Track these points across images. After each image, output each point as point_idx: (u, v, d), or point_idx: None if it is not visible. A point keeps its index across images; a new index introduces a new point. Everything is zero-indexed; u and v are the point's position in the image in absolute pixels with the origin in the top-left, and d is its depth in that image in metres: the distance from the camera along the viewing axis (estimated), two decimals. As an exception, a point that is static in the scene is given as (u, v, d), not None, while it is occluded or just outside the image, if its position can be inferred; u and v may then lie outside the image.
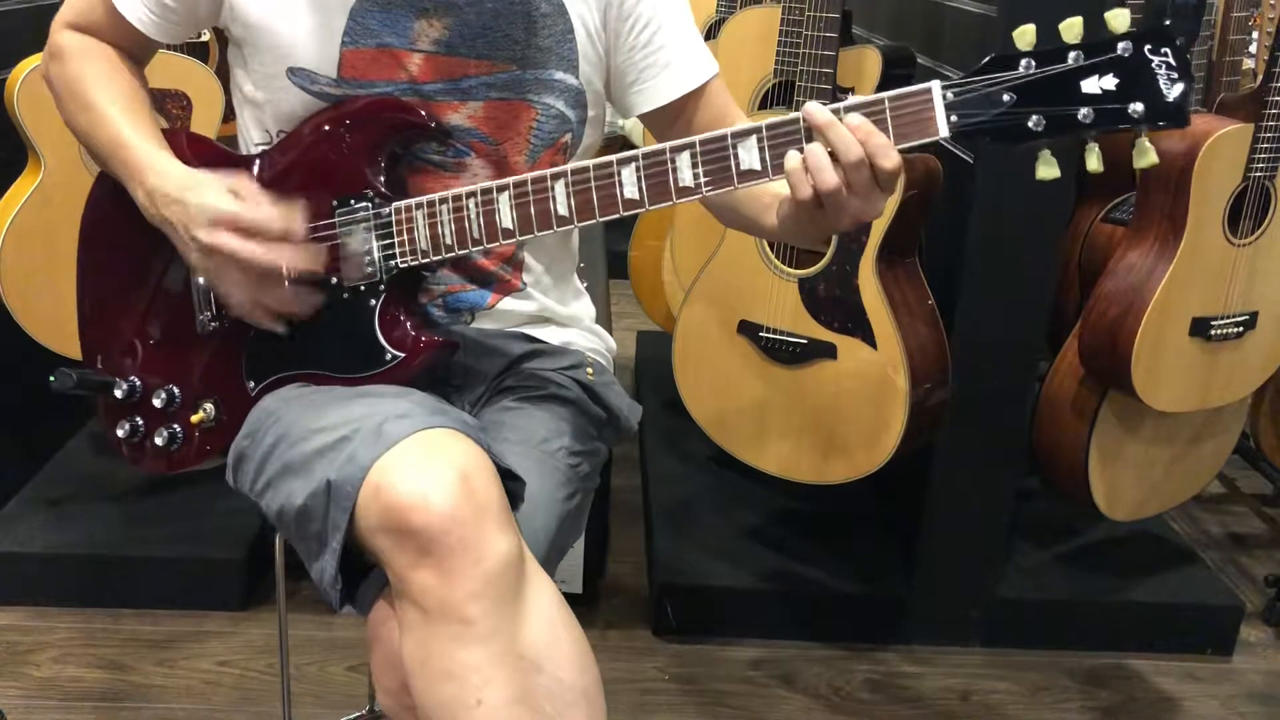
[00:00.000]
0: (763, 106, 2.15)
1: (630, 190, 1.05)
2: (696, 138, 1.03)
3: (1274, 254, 1.89)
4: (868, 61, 1.94)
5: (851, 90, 1.95)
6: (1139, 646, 2.14)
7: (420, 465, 0.98)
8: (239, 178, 1.15)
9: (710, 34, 2.76)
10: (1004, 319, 1.92)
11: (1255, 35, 2.36)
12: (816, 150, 1.00)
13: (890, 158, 0.99)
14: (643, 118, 1.31)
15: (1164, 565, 2.25)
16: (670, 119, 1.28)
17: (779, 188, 1.08)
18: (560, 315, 1.34)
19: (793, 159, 1.01)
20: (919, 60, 2.15)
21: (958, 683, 2.05)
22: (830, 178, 0.99)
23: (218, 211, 1.11)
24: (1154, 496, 2.13)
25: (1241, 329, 1.92)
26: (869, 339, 1.88)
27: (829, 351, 1.91)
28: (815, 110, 1.00)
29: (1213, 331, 1.90)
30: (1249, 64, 2.29)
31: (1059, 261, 2.01)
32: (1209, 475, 2.20)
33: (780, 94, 2.09)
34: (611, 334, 1.45)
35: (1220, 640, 2.16)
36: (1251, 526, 2.64)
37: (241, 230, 1.11)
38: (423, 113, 1.17)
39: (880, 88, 1.94)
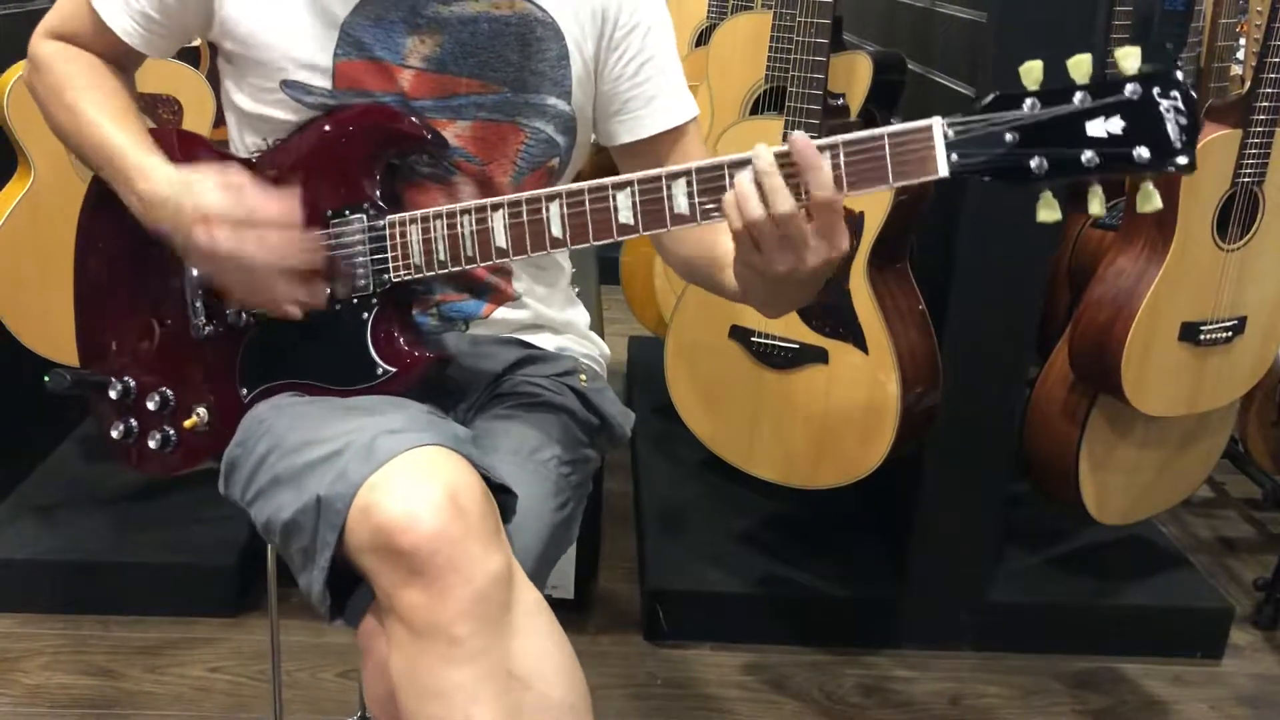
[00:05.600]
0: (754, 112, 2.16)
1: (625, 215, 1.04)
2: (693, 164, 1.02)
3: (1262, 259, 1.90)
4: (859, 67, 1.95)
5: (843, 96, 1.95)
6: (1129, 650, 2.14)
7: (410, 484, 0.98)
8: (229, 170, 1.12)
9: (701, 40, 2.77)
10: (994, 324, 1.93)
11: (1243, 42, 2.37)
12: (744, 181, 0.98)
13: (823, 187, 0.95)
14: (618, 149, 1.30)
15: (1154, 569, 2.26)
16: (646, 155, 1.27)
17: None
18: (554, 322, 1.34)
19: (727, 194, 0.99)
20: (909, 66, 2.16)
21: (948, 686, 2.05)
22: (754, 208, 0.97)
23: (209, 209, 1.08)
24: (1144, 500, 2.14)
25: (1230, 334, 1.93)
26: (860, 344, 1.88)
27: (820, 356, 1.92)
28: (761, 152, 0.98)
29: (1202, 336, 1.91)
30: (1237, 70, 2.30)
31: (1048, 267, 2.02)
32: (1198, 479, 2.21)
33: (771, 100, 2.09)
34: (603, 339, 1.45)
35: (1210, 644, 2.17)
36: (1240, 530, 2.65)
37: (236, 225, 1.08)
38: (415, 120, 1.16)
39: (871, 93, 1.95)
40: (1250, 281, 1.91)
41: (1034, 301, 1.97)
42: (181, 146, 1.21)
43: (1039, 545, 2.29)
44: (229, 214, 1.08)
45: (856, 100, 1.96)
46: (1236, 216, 1.86)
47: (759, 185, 0.97)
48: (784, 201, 0.96)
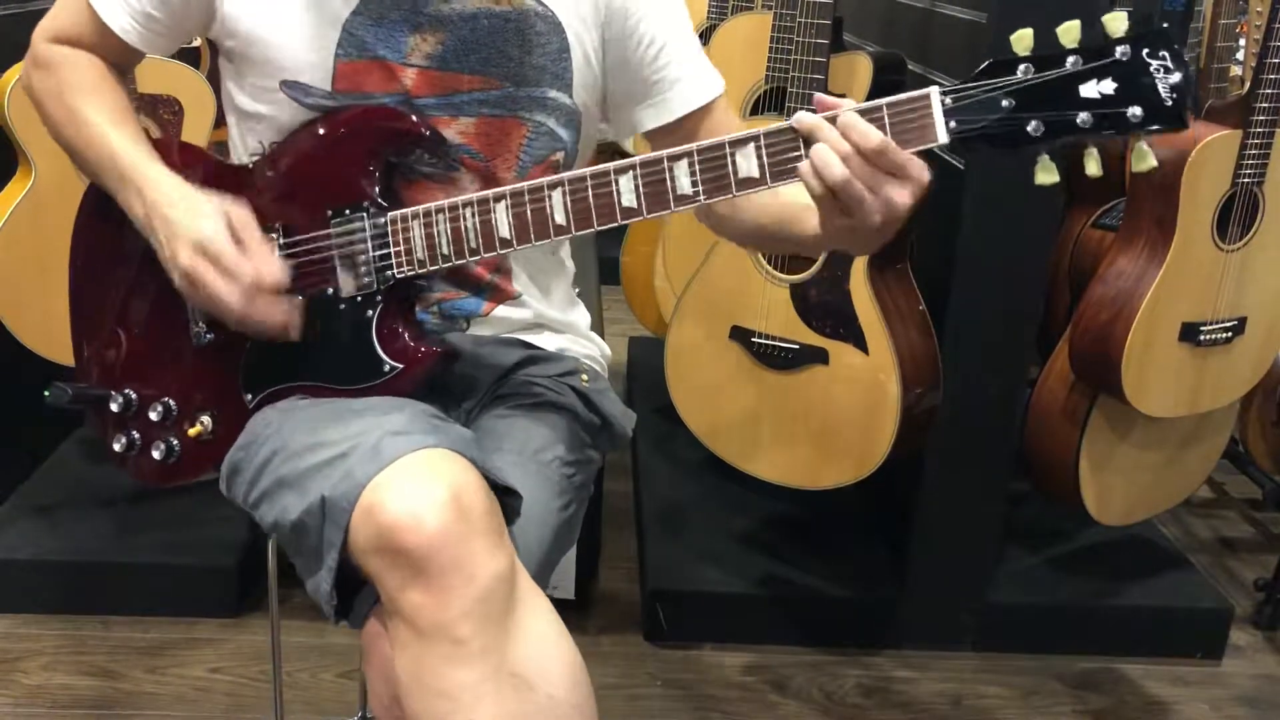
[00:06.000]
0: (754, 113, 2.16)
1: (628, 198, 1.05)
2: (694, 145, 1.03)
3: (1262, 259, 1.90)
4: (859, 68, 1.95)
5: (843, 97, 1.95)
6: (1129, 650, 2.15)
7: (413, 485, 0.98)
8: (238, 207, 1.12)
9: (701, 40, 2.77)
10: (994, 324, 1.93)
11: (1242, 42, 2.37)
12: (820, 149, 0.99)
13: (873, 142, 0.98)
14: (649, 135, 1.30)
15: (1154, 569, 2.26)
16: (679, 136, 1.27)
17: (801, 196, 1.09)
18: (555, 322, 1.34)
19: (802, 163, 1.01)
20: (910, 66, 2.16)
21: (950, 687, 2.06)
22: (837, 171, 0.98)
23: (204, 240, 1.09)
24: (1144, 501, 2.14)
25: (1230, 334, 1.93)
26: (860, 344, 1.88)
27: (821, 357, 1.92)
28: (804, 116, 1.01)
29: (1202, 337, 1.91)
30: (1236, 71, 2.30)
31: (1049, 267, 2.02)
32: (1198, 480, 2.22)
33: (771, 100, 2.09)
34: (603, 339, 1.45)
35: (1210, 644, 2.17)
36: (1240, 530, 2.66)
37: (220, 269, 1.09)
38: (415, 119, 1.16)
39: (871, 94, 1.95)
40: (1250, 282, 1.91)
41: (1034, 301, 1.97)
42: (181, 157, 1.20)
43: (1039, 545, 2.29)
44: (218, 255, 1.08)
45: (858, 101, 1.96)
46: (1236, 217, 1.86)
47: (847, 139, 0.98)
48: (842, 146, 0.97)
